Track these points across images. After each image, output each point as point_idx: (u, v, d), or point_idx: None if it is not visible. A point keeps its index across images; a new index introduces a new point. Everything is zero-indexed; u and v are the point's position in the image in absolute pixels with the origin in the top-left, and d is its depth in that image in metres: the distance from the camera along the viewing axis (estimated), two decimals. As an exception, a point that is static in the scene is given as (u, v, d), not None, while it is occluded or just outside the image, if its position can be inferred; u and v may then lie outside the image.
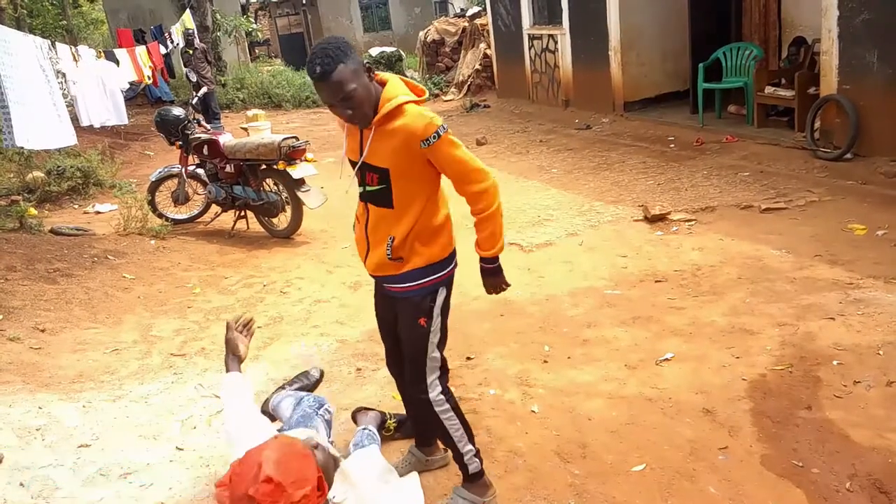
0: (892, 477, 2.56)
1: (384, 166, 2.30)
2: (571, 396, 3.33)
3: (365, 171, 2.36)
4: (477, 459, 2.58)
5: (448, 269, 2.46)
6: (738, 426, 2.97)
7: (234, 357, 2.47)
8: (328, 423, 2.75)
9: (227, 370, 2.47)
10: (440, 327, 2.48)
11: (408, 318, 2.45)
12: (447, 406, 2.52)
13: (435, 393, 2.50)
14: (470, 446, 2.57)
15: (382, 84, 2.32)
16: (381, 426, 3.05)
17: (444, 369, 2.56)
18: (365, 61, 2.25)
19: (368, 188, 2.38)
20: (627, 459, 2.82)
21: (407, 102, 2.26)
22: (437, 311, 2.44)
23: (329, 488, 1.92)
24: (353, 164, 2.42)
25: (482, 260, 2.46)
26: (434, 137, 2.23)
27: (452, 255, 2.48)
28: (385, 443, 3.01)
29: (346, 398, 3.47)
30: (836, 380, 3.20)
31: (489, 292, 2.55)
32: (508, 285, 2.54)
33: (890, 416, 2.90)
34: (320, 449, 2.00)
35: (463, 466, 2.59)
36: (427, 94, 2.38)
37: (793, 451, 2.77)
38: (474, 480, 2.61)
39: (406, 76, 16.71)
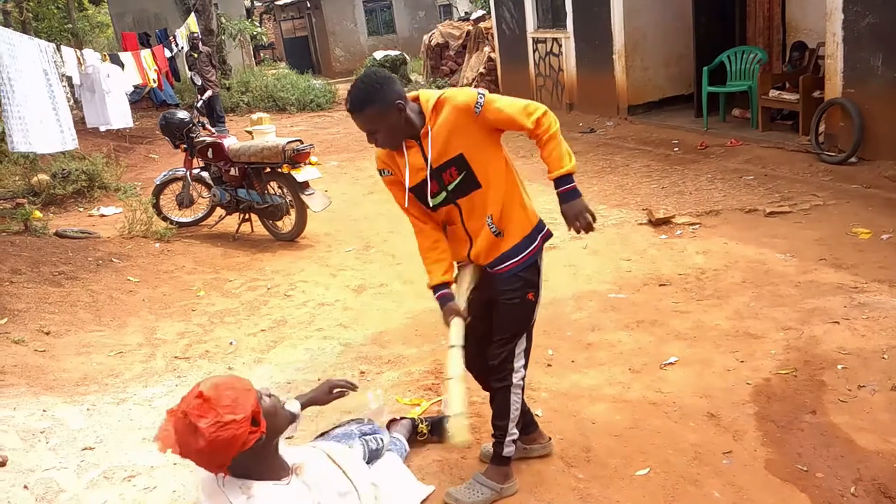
0: (897, 482, 2.55)
1: (457, 152, 2.41)
2: (575, 400, 3.33)
3: (440, 174, 2.44)
4: (514, 446, 2.68)
5: (544, 230, 2.59)
6: (742, 430, 2.96)
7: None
8: (373, 451, 2.73)
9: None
10: (539, 299, 2.59)
11: (516, 295, 2.52)
12: (521, 384, 2.62)
13: (518, 365, 2.60)
14: (516, 431, 2.66)
15: (416, 100, 2.45)
16: (413, 434, 3.03)
17: (528, 349, 2.64)
18: (405, 91, 2.40)
19: (451, 186, 2.46)
20: (631, 463, 2.82)
21: (440, 94, 2.43)
22: (539, 282, 2.56)
23: (269, 432, 1.92)
24: (420, 183, 2.47)
25: (558, 183, 2.43)
26: (481, 100, 2.37)
27: (541, 220, 2.61)
28: (420, 446, 3.03)
29: (350, 402, 3.46)
30: (841, 384, 3.19)
31: (573, 226, 2.42)
32: (594, 216, 2.43)
33: (895, 421, 2.89)
34: (273, 398, 2.00)
35: (500, 445, 2.67)
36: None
37: (797, 455, 2.76)
38: (500, 464, 2.69)
39: (410, 79, 16.52)
